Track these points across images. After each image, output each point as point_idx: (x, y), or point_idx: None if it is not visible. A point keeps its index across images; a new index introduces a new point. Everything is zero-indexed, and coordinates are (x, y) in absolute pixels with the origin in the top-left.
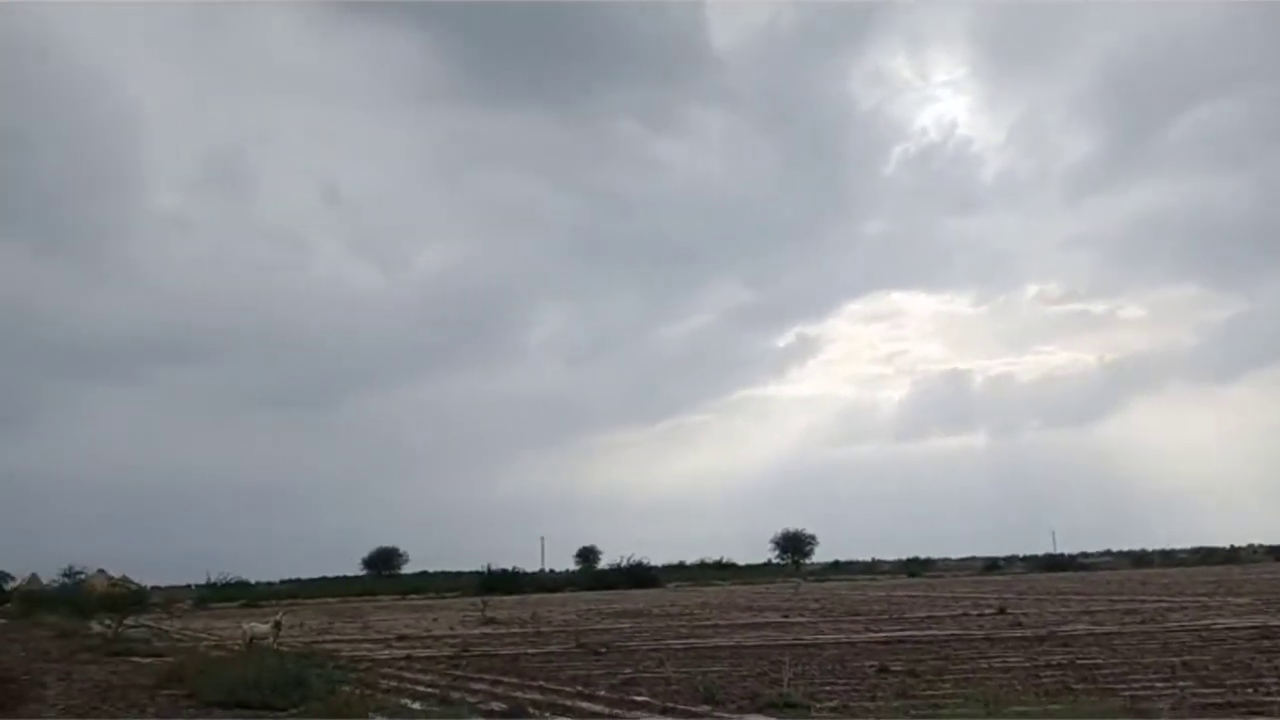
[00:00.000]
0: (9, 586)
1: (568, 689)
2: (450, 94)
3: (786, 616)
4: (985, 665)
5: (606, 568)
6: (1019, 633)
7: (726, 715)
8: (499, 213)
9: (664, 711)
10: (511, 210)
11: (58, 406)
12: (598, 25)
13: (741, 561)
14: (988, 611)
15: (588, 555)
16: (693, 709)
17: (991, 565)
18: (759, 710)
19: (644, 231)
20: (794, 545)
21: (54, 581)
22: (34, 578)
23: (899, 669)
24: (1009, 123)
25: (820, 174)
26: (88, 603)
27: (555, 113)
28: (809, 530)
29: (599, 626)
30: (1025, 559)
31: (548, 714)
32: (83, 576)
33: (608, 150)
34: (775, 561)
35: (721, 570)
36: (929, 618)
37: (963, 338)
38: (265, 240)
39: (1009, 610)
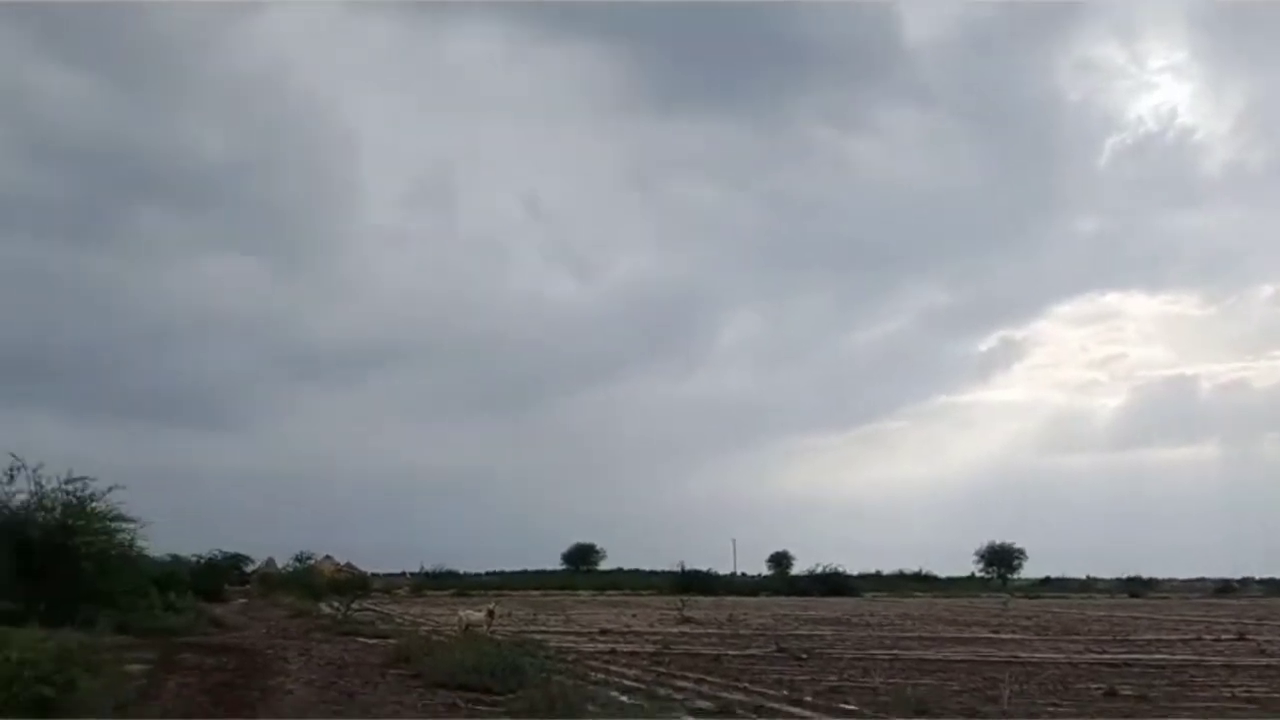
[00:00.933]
0: (249, 569)
1: (772, 692)
2: (643, 105)
3: (996, 632)
4: (1228, 694)
5: (800, 574)
6: (1263, 660)
7: None
8: (690, 220)
9: None
10: (702, 217)
11: (290, 409)
12: (787, 27)
13: (942, 574)
14: (1225, 637)
15: (780, 560)
16: None
17: (1225, 587)
18: None
19: (836, 234)
20: (1000, 559)
21: (287, 566)
22: (270, 562)
23: (1128, 693)
24: (1236, 110)
25: (1026, 169)
26: (317, 586)
27: (746, 118)
28: (1016, 544)
29: (798, 632)
30: (1263, 582)
31: (755, 716)
32: (312, 561)
33: (798, 153)
34: (979, 575)
35: (921, 582)
36: (1157, 640)
37: (1189, 341)
38: (469, 252)
39: (1249, 636)
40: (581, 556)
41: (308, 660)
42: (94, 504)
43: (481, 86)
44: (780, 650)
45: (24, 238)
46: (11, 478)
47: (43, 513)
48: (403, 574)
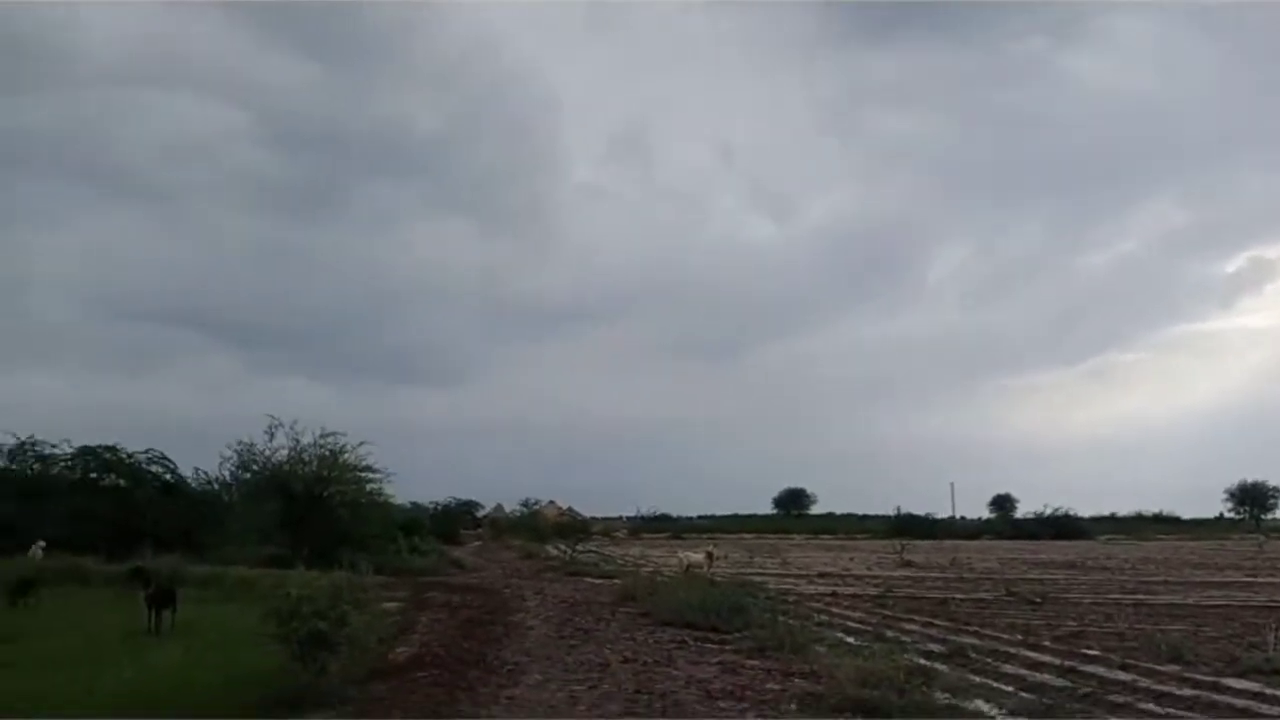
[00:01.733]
0: (479, 514)
1: (1006, 636)
2: (836, 39)
3: (1253, 576)
4: None
5: (1025, 517)
6: None
7: (1201, 677)
8: (892, 151)
9: (1123, 667)
10: (904, 148)
11: (511, 364)
12: None
13: (1185, 515)
14: None
15: (1002, 503)
16: (1157, 667)
17: None
18: (1239, 675)
19: (1056, 154)
20: (1253, 498)
21: (514, 511)
22: (499, 507)
23: None
24: None
25: (1274, 74)
26: (543, 529)
27: (953, 40)
28: (1270, 482)
29: (1027, 576)
30: None
31: (990, 659)
32: (537, 506)
33: (1011, 72)
34: (1229, 516)
35: (1162, 524)
36: None
37: None
38: (668, 202)
39: None
40: (792, 501)
41: (543, 599)
42: (344, 457)
43: (675, 36)
44: (1011, 594)
45: (267, 217)
46: (272, 436)
47: (301, 466)
48: (619, 518)
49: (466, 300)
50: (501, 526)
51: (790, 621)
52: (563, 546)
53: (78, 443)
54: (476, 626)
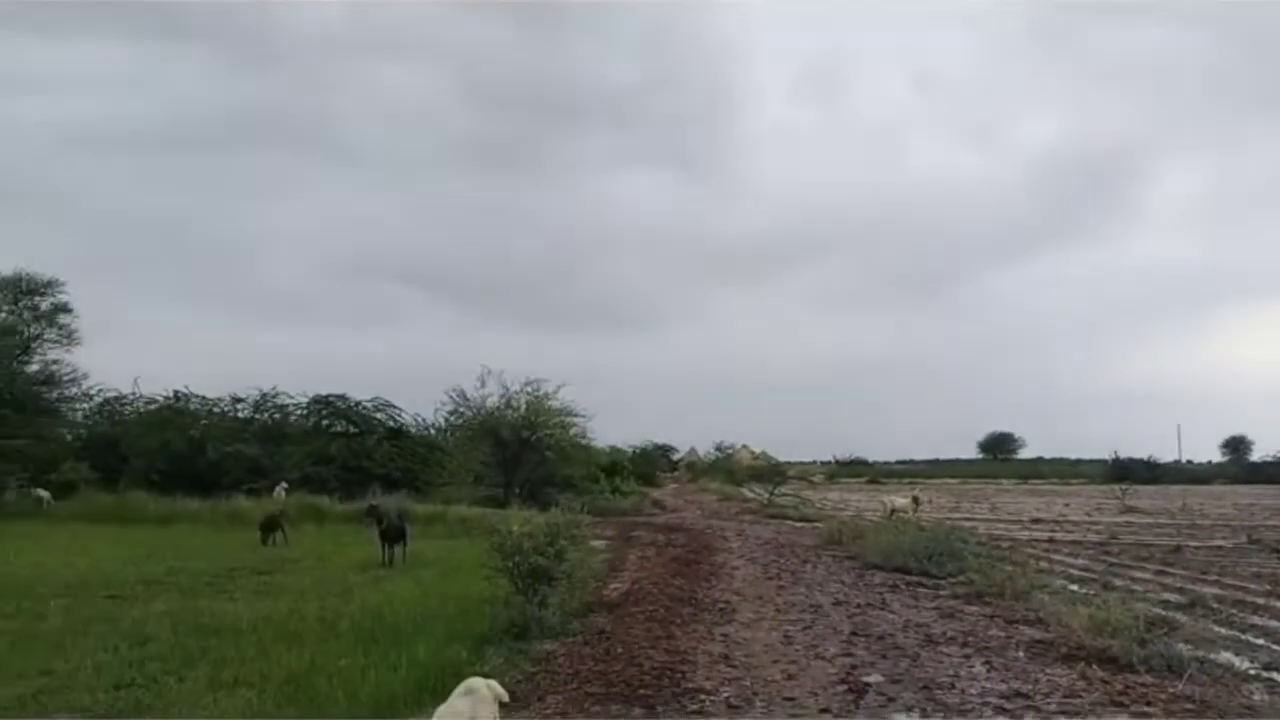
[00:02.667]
0: (675, 457)
1: (1253, 586)
2: None
3: None
4: None
5: (1263, 460)
6: None
7: None
8: (1110, 70)
9: None
10: (1124, 65)
11: (704, 309)
12: None
13: None
14: None
15: (1237, 445)
16: None
17: None
18: None
19: None
20: None
21: (709, 454)
22: (693, 450)
23: None
24: None
25: None
26: (738, 472)
27: None
28: None
29: (1269, 523)
30: None
31: (1235, 611)
32: (731, 450)
33: None
34: None
35: None
36: None
37: None
38: (864, 137)
39: None
40: (998, 445)
41: (744, 540)
42: (549, 402)
43: None
44: (1253, 542)
45: (471, 176)
46: (483, 383)
47: (511, 411)
48: (814, 463)
49: (662, 246)
50: (698, 470)
51: (1008, 567)
52: (759, 490)
53: (311, 393)
54: (684, 565)
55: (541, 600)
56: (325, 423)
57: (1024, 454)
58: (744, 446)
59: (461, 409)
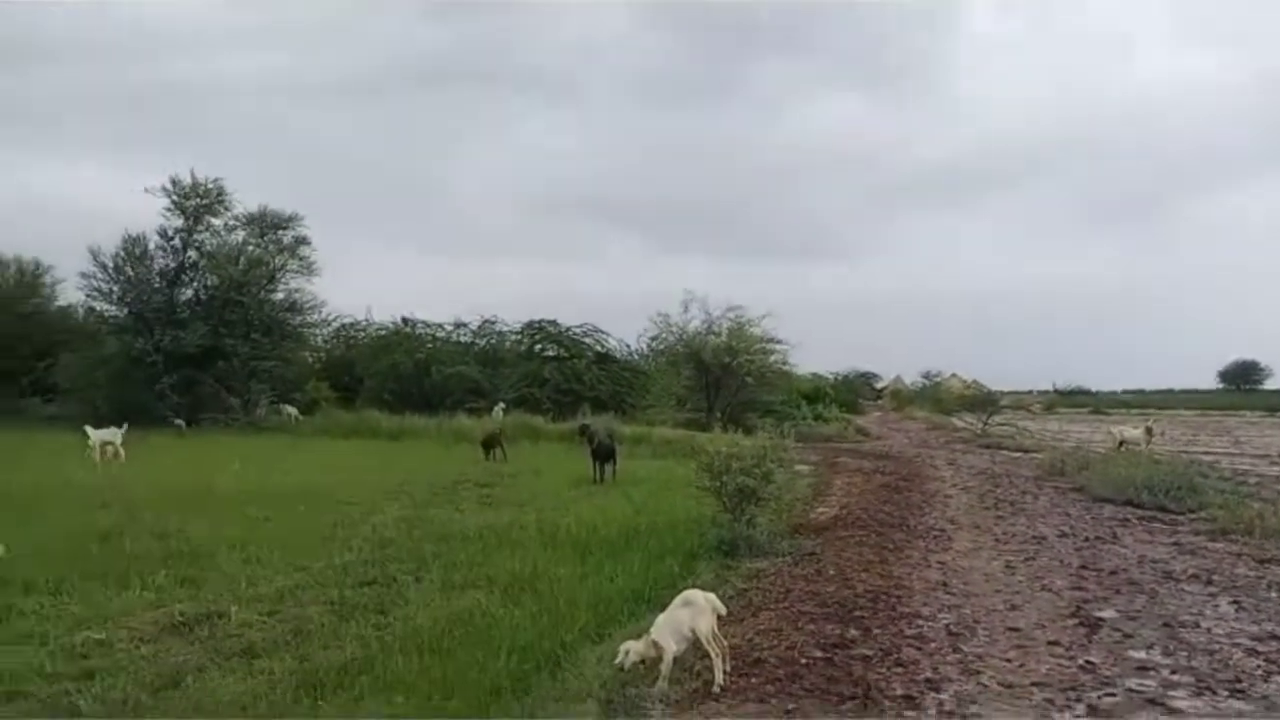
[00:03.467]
0: (878, 385)
1: None
2: None
3: None
4: None
5: None
6: None
7: None
8: None
9: None
10: None
11: (906, 235)
12: None
13: None
14: None
15: None
16: None
17: None
18: None
19: None
20: None
21: (914, 383)
22: (897, 379)
23: None
24: None
25: None
26: (946, 401)
27: None
28: None
29: None
30: None
31: None
32: (939, 379)
33: None
34: None
35: None
36: None
37: None
38: (1076, 46)
39: None
40: (1243, 374)
41: (956, 469)
42: (750, 328)
43: None
44: None
45: (666, 106)
46: (686, 308)
47: (713, 337)
48: (1029, 392)
49: (861, 172)
50: (903, 398)
51: (1256, 504)
52: (970, 419)
53: (524, 320)
54: (893, 492)
55: (749, 520)
56: (538, 347)
57: (1272, 384)
58: (953, 375)
59: (664, 334)
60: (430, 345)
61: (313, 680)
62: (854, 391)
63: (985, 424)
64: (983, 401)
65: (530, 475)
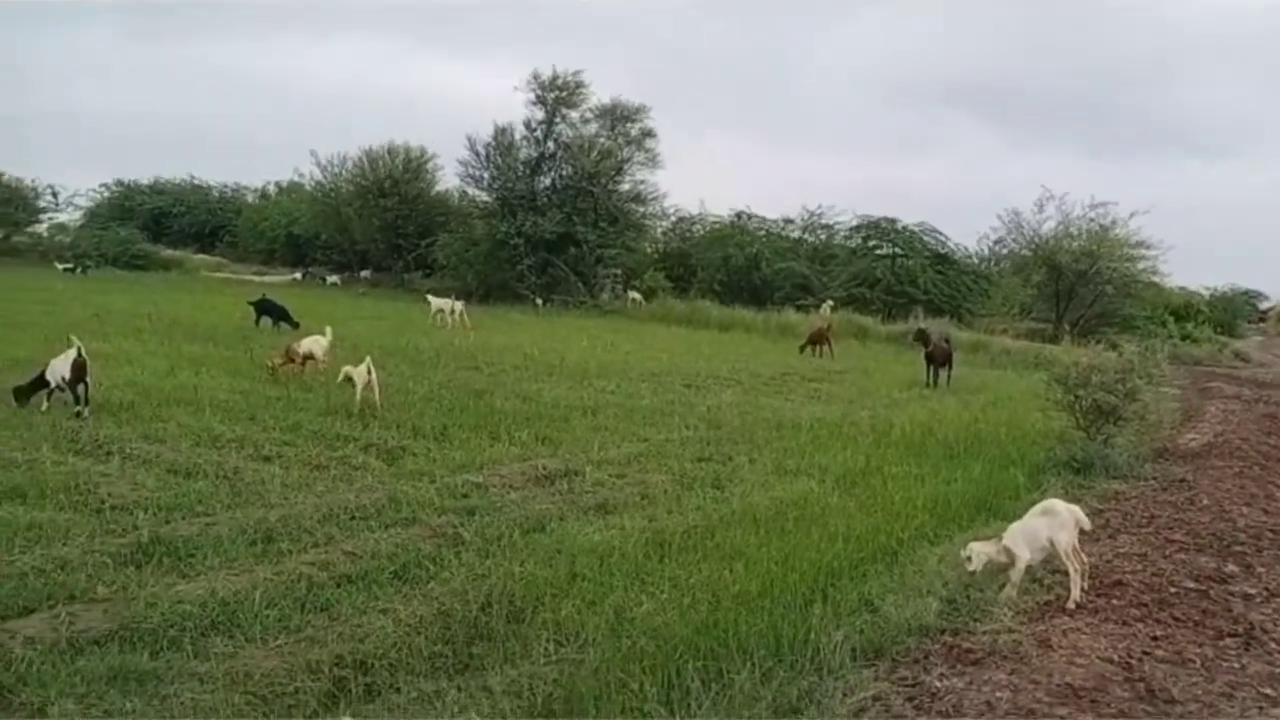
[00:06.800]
0: (1263, 306)
1: None
2: None
3: None
4: None
5: None
6: None
7: None
8: None
9: None
10: None
11: None
12: None
13: None
14: None
15: None
16: None
17: None
18: None
19: None
20: None
21: None
22: None
23: None
24: None
25: None
26: None
27: None
28: None
29: None
30: None
31: None
32: None
33: None
34: None
35: None
36: None
37: None
38: None
39: None
40: None
41: None
42: (1115, 231)
43: None
44: None
45: None
46: (1041, 207)
47: (1069, 240)
48: None
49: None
50: None
51: None
52: None
53: (857, 216)
54: (1278, 423)
55: (1106, 439)
56: (870, 244)
57: None
58: None
59: (1013, 236)
60: (761, 239)
61: (660, 540)
62: (1232, 311)
63: None
64: None
65: (859, 374)
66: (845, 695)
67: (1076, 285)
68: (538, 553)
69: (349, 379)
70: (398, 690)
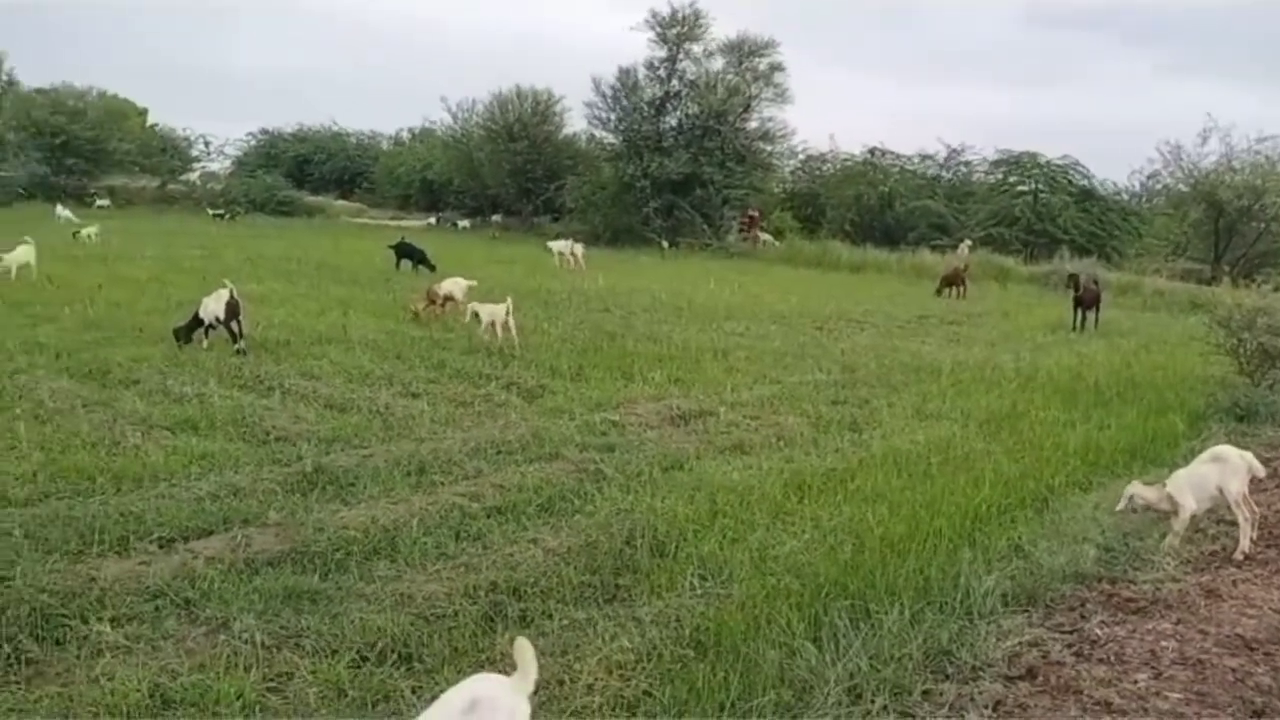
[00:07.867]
0: None
1: None
2: None
3: None
4: None
5: None
6: None
7: None
8: None
9: None
10: None
11: None
12: None
13: None
14: None
15: None
16: None
17: None
18: None
19: None
20: None
21: None
22: None
23: None
24: None
25: None
26: None
27: None
28: None
29: None
30: None
31: None
32: None
33: None
34: None
35: None
36: None
37: None
38: None
39: None
40: None
41: None
42: None
43: None
44: None
45: None
46: (1204, 139)
47: (1230, 174)
48: None
49: None
50: None
51: None
52: None
53: (997, 151)
54: None
55: (1273, 384)
56: (1011, 180)
57: None
58: None
59: (1170, 170)
60: (895, 177)
61: (799, 481)
62: None
63: None
64: None
65: (999, 316)
66: (999, 640)
67: (1238, 222)
68: (678, 489)
69: (475, 315)
70: (549, 617)
